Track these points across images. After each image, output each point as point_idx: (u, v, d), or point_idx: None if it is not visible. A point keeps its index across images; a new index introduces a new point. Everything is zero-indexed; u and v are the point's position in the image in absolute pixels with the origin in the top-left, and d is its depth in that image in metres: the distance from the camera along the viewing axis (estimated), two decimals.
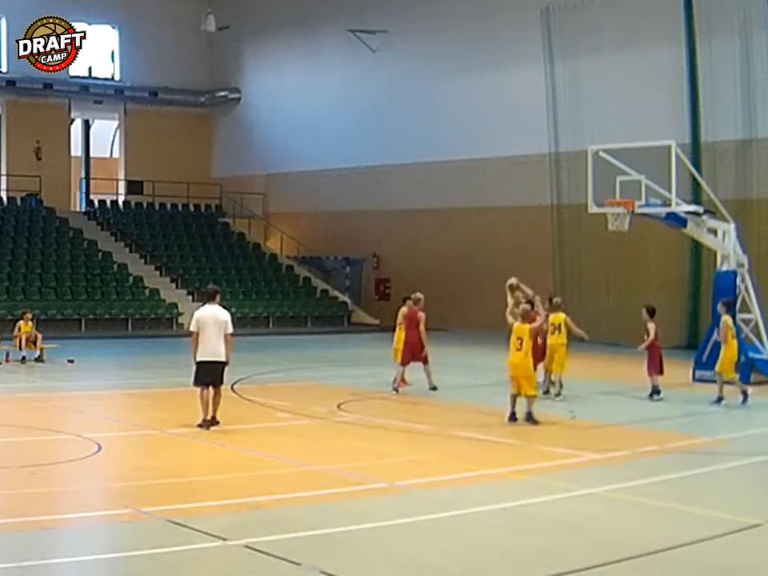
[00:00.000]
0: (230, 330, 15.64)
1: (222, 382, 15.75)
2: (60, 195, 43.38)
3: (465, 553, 9.44)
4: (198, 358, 15.56)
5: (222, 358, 15.57)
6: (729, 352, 18.86)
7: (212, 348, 15.47)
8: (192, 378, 15.72)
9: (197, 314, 15.83)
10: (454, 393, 20.50)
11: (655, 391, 19.13)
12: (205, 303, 16.04)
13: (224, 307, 16.06)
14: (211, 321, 15.56)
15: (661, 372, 19.29)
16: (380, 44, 39.86)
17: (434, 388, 20.30)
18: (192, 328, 15.69)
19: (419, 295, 20.70)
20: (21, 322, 25.34)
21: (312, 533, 9.88)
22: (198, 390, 15.61)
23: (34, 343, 25.19)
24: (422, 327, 20.28)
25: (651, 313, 19.48)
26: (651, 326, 19.26)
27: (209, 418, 15.53)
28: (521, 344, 16.31)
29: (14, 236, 39.45)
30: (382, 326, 35.98)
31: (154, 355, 29.09)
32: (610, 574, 8.94)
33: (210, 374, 15.52)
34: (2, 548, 9.25)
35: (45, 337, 25.74)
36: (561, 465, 13.57)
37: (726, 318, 19.14)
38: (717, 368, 18.97)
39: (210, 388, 15.58)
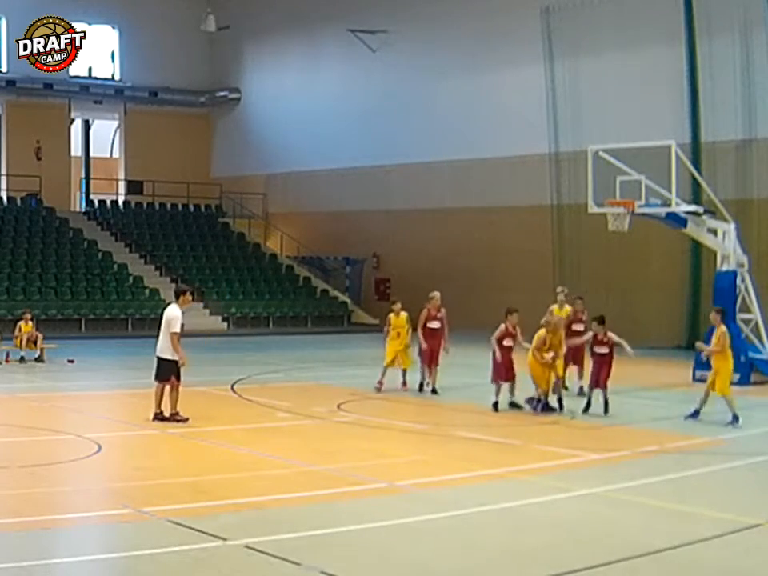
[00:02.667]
0: (172, 329, 16.03)
1: (159, 377, 16.17)
2: (60, 195, 43.36)
3: (465, 553, 9.44)
4: None
5: (158, 353, 16.26)
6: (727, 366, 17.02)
7: (157, 344, 16.35)
8: None
9: None
10: (454, 393, 20.50)
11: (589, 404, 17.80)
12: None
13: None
14: (162, 318, 16.39)
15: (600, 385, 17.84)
16: (380, 44, 39.85)
17: (423, 386, 20.35)
18: None
19: (432, 294, 20.68)
20: (21, 322, 25.34)
21: (312, 533, 9.87)
22: None
23: (35, 343, 25.19)
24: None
25: (602, 321, 18.17)
26: (612, 335, 17.92)
27: (159, 410, 16.23)
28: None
29: (14, 236, 39.43)
30: (381, 326, 35.95)
31: (153, 355, 29.01)
32: (610, 574, 8.93)
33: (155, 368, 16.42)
34: (1, 548, 9.25)
35: (45, 337, 25.73)
36: (561, 465, 13.57)
37: (724, 329, 17.14)
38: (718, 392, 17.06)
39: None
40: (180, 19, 45.52)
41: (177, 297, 16.61)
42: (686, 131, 30.56)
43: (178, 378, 16.14)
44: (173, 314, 16.15)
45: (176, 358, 16.06)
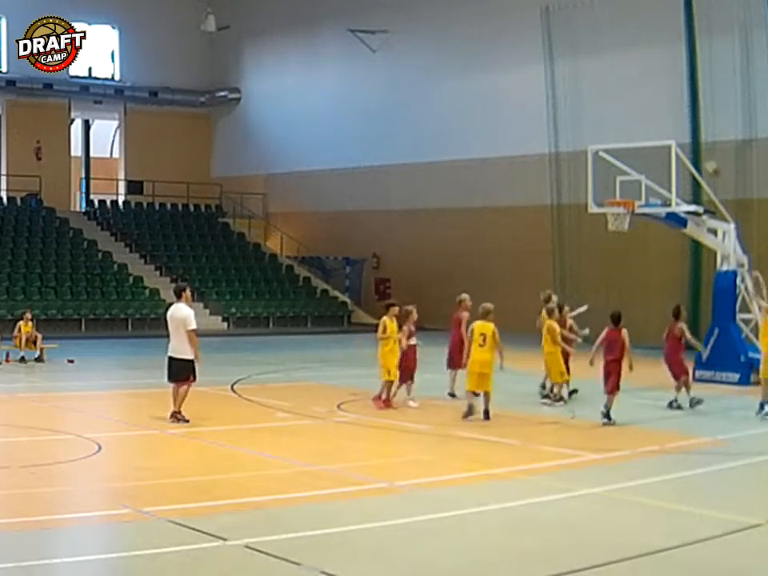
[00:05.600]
0: (190, 326, 15.84)
1: (179, 378, 15.99)
2: (60, 195, 43.38)
3: (465, 553, 9.44)
4: None
5: (175, 354, 16.01)
6: None
7: (170, 344, 16.10)
8: None
9: None
10: None
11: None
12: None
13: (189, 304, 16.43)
14: (170, 319, 16.11)
15: None
16: (380, 44, 39.86)
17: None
18: None
19: (462, 296, 19.86)
20: (21, 322, 25.34)
21: (312, 533, 9.87)
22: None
23: (34, 343, 25.20)
24: (462, 329, 18.87)
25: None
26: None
27: (175, 410, 16.03)
28: (483, 340, 16.70)
29: (14, 236, 39.44)
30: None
31: (153, 355, 28.96)
32: (610, 574, 8.93)
33: (168, 369, 16.16)
34: (1, 548, 9.24)
35: (45, 337, 25.72)
36: (561, 465, 13.57)
37: None
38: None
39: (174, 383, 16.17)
40: (180, 19, 45.53)
41: (178, 296, 16.36)
42: (686, 131, 30.56)
43: (195, 378, 16.02)
44: (184, 312, 15.94)
45: (192, 357, 15.87)
